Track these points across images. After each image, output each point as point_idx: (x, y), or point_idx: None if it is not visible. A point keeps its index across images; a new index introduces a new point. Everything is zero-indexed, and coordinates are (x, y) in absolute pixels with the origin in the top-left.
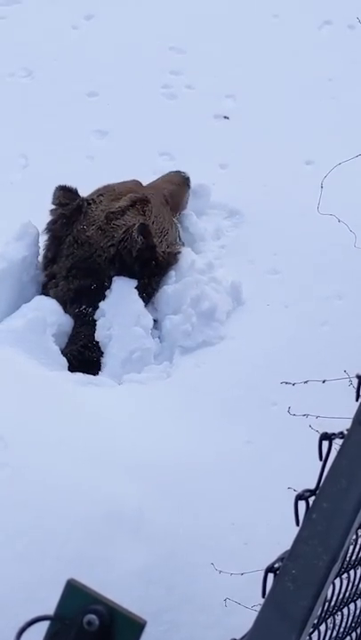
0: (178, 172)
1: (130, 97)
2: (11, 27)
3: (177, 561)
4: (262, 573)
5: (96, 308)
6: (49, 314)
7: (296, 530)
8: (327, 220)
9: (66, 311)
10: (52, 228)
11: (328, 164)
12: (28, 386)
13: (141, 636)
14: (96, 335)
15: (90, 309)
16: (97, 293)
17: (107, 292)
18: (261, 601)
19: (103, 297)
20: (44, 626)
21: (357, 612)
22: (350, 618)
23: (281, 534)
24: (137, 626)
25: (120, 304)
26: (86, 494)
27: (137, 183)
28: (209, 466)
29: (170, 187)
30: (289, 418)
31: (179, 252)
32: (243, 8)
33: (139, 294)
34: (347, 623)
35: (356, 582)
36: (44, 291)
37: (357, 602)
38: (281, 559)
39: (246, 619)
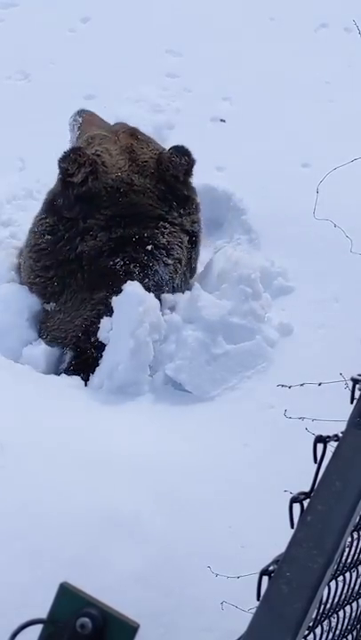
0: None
1: (127, 100)
2: (8, 29)
3: (174, 564)
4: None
5: (131, 262)
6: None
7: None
8: (324, 224)
9: (93, 266)
10: (85, 189)
11: (325, 167)
12: (25, 389)
13: (135, 639)
14: (98, 334)
15: (123, 263)
16: (137, 245)
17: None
18: (258, 604)
19: (141, 253)
20: (37, 629)
21: (353, 614)
22: (346, 620)
23: (278, 537)
24: (130, 629)
25: (124, 307)
26: (83, 498)
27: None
28: (206, 469)
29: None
30: (285, 420)
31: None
32: (239, 11)
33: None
34: (343, 626)
35: (351, 584)
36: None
37: (353, 604)
38: (276, 562)
39: (243, 622)
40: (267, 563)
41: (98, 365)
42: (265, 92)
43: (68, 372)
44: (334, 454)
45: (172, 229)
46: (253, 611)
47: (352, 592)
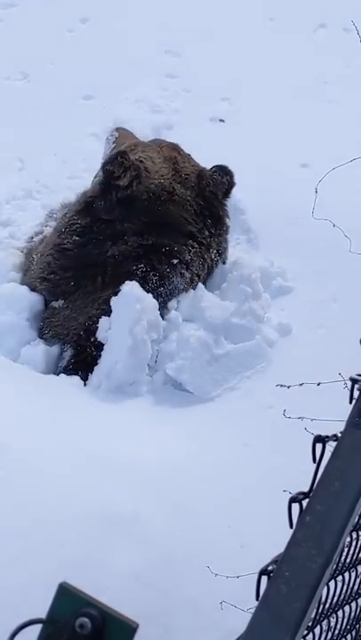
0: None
1: (126, 100)
2: (7, 30)
3: (173, 564)
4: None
5: (151, 270)
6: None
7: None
8: (323, 224)
9: (116, 270)
10: (128, 193)
11: (324, 167)
12: (24, 389)
13: (134, 639)
14: (97, 333)
15: (145, 270)
16: (162, 256)
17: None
18: (257, 604)
19: (164, 264)
20: (36, 629)
21: (353, 614)
22: (345, 620)
23: (278, 537)
24: (129, 629)
25: (122, 306)
26: (83, 497)
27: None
28: (205, 469)
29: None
30: (285, 420)
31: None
32: (239, 11)
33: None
34: (342, 625)
35: (351, 584)
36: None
37: (352, 604)
38: (275, 562)
39: (242, 621)
40: (266, 562)
41: (97, 364)
42: (264, 93)
43: (67, 370)
44: (333, 454)
45: (199, 249)
46: (253, 610)
47: (351, 592)
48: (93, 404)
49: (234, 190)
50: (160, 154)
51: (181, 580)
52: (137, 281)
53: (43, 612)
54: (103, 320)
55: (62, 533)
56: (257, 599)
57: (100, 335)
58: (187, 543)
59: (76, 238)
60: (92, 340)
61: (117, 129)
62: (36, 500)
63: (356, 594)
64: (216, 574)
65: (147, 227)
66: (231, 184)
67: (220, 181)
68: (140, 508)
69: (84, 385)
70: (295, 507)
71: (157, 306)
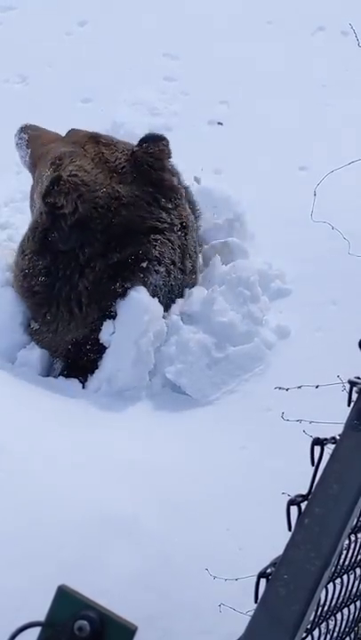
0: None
1: (124, 103)
2: (5, 33)
3: (171, 567)
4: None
5: (127, 282)
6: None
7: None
8: (321, 226)
9: (91, 298)
10: (77, 217)
11: (322, 170)
12: (23, 392)
13: None
14: (100, 335)
15: (122, 286)
16: (132, 266)
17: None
18: (255, 606)
19: (137, 272)
20: (35, 632)
21: (351, 616)
22: (344, 623)
23: (276, 539)
24: (128, 632)
25: (129, 313)
26: (81, 500)
27: (56, 136)
28: (204, 471)
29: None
30: (283, 423)
31: None
32: (237, 14)
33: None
34: (341, 628)
35: (349, 587)
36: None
37: (351, 607)
38: (273, 564)
39: (241, 624)
40: (265, 565)
41: (95, 368)
42: (262, 96)
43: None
44: (332, 457)
45: (163, 239)
46: (251, 613)
47: (350, 594)
48: (92, 406)
49: (231, 192)
50: (87, 156)
51: (180, 582)
52: (119, 297)
53: (42, 615)
54: (107, 323)
55: (61, 536)
56: (256, 602)
57: (102, 338)
58: (185, 546)
59: (43, 279)
60: (87, 349)
61: (23, 129)
62: (34, 503)
63: (355, 596)
64: (215, 577)
65: (107, 245)
66: (167, 144)
67: (157, 153)
68: (138, 511)
69: (83, 388)
70: (294, 509)
71: (162, 313)
